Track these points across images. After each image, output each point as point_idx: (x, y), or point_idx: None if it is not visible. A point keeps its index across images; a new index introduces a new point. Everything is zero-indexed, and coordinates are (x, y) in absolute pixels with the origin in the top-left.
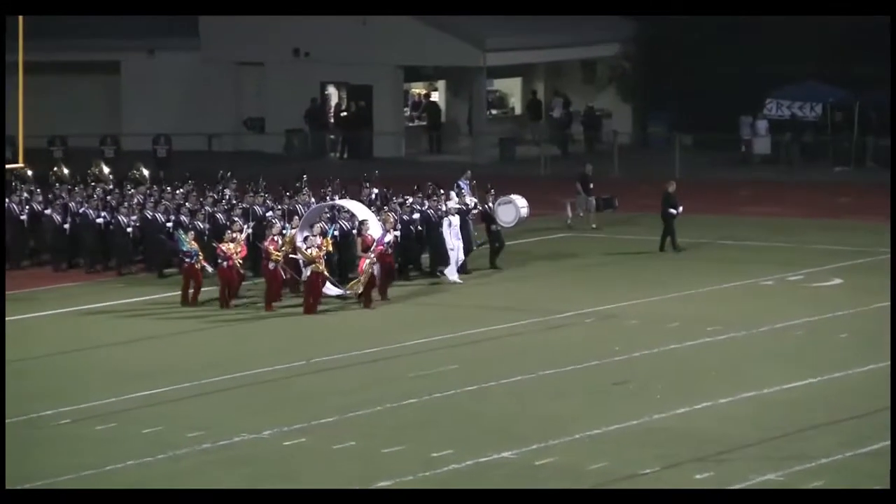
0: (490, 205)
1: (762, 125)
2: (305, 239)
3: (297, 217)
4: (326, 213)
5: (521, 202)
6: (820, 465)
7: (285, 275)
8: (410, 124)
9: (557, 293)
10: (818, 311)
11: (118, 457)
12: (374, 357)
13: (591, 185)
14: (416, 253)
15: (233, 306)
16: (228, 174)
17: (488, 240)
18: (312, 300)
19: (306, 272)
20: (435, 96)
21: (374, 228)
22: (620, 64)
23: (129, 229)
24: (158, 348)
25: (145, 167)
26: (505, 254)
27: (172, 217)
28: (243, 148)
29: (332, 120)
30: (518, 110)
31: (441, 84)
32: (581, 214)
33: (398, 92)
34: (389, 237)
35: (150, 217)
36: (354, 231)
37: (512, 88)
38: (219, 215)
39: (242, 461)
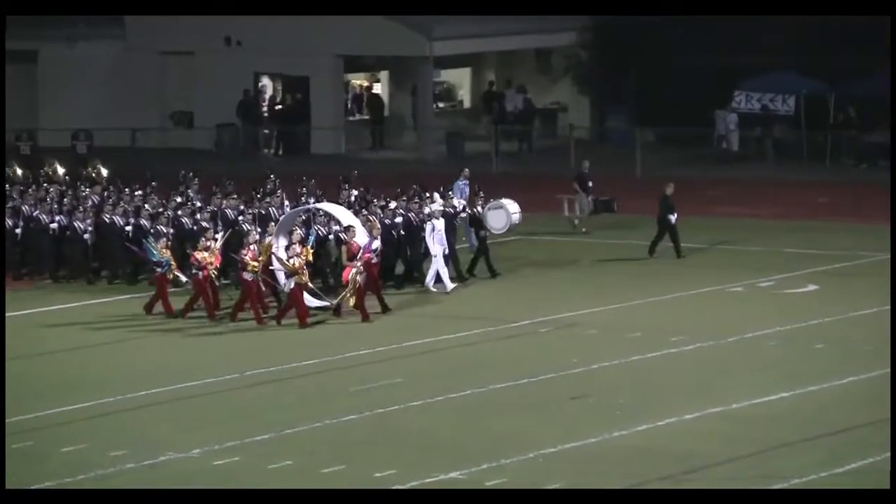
0: (479, 209)
1: (732, 119)
2: (288, 247)
3: (272, 223)
4: (301, 217)
5: (512, 207)
6: (794, 485)
7: (264, 286)
8: (351, 118)
9: (512, 300)
10: (791, 320)
11: (33, 478)
12: (313, 369)
13: (591, 184)
14: (394, 261)
15: (217, 319)
16: (191, 174)
17: (477, 248)
18: (301, 312)
19: (289, 284)
20: (377, 88)
21: (360, 235)
22: (577, 53)
23: (86, 235)
24: (88, 359)
25: (60, 165)
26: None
27: (132, 221)
28: (170, 144)
29: (266, 114)
30: (467, 103)
31: (384, 75)
32: (578, 214)
33: (338, 84)
34: (377, 244)
35: (107, 221)
36: (331, 237)
37: (460, 79)
38: (184, 219)
39: (168, 482)
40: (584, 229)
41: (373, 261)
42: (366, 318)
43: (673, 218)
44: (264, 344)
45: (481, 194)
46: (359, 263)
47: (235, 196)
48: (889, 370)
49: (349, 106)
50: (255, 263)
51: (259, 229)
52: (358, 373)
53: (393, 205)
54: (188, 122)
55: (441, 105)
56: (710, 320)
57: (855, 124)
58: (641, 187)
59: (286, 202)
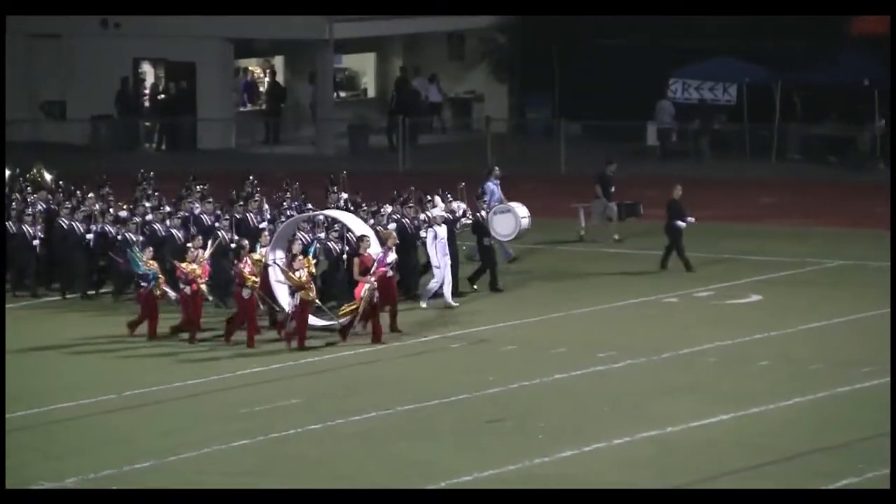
0: (484, 214)
1: (669, 110)
2: (293, 259)
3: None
4: (303, 225)
5: (521, 211)
6: None
7: (262, 304)
8: (242, 109)
9: (422, 312)
10: (732, 334)
11: None
12: (200, 389)
13: (613, 189)
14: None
15: (198, 341)
16: (150, 173)
17: (479, 256)
18: (301, 332)
19: (293, 300)
20: (275, 75)
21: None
22: (494, 37)
23: (36, 242)
24: None
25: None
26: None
27: (95, 227)
28: (41, 138)
29: (146, 104)
30: (371, 92)
31: (278, 61)
32: (597, 223)
33: (227, 70)
34: (392, 257)
35: (65, 226)
36: (334, 248)
37: (364, 66)
38: (157, 226)
39: None
40: (616, 236)
41: (388, 275)
42: (378, 338)
43: (683, 224)
44: (147, 362)
45: (485, 198)
46: (372, 278)
47: (211, 200)
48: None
49: (240, 95)
50: (254, 278)
51: (235, 237)
52: (250, 393)
53: (387, 209)
54: (60, 114)
55: (343, 94)
56: (642, 334)
57: (797, 116)
58: (566, 186)
59: (266, 207)
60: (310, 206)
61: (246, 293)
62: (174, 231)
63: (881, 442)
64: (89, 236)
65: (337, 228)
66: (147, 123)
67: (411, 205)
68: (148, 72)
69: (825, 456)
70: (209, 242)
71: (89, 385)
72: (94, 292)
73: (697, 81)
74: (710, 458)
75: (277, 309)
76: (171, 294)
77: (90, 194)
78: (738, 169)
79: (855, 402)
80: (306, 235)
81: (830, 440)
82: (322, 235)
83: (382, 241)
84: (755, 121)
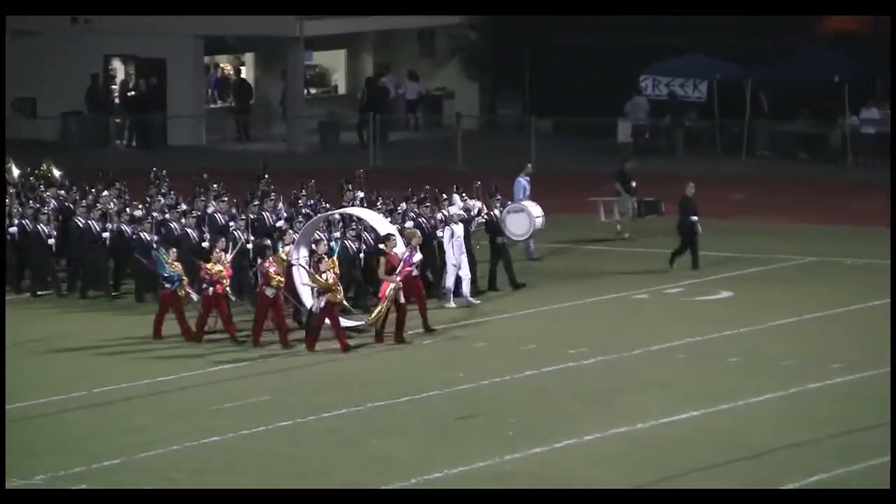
0: (497, 213)
1: (643, 105)
2: (320, 260)
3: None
4: (339, 226)
5: (535, 210)
6: None
7: (287, 304)
8: (213, 106)
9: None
10: (703, 331)
11: None
12: (171, 386)
13: (634, 184)
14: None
15: (205, 341)
16: (163, 172)
17: (490, 256)
18: (338, 333)
19: (319, 302)
20: (244, 73)
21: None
22: (465, 33)
23: (51, 241)
24: None
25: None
26: None
27: (111, 226)
28: (13, 134)
29: (117, 101)
30: (342, 89)
31: (249, 58)
32: (618, 218)
33: (197, 67)
34: (418, 256)
35: (80, 225)
36: (350, 246)
37: (335, 63)
38: (173, 224)
39: None
40: (626, 235)
41: (413, 274)
42: (401, 337)
43: (696, 219)
44: (117, 360)
45: (499, 196)
46: (398, 278)
47: (225, 198)
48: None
49: (210, 92)
50: (280, 278)
51: (250, 237)
52: (220, 390)
53: (403, 207)
54: (31, 111)
55: (313, 91)
56: (612, 331)
57: (765, 113)
58: (537, 183)
59: (281, 206)
60: (326, 205)
61: (270, 292)
62: (189, 230)
63: (852, 438)
64: (105, 235)
65: (353, 227)
66: (117, 120)
67: (428, 203)
68: (118, 68)
69: (796, 452)
70: (230, 245)
71: (60, 383)
72: (116, 293)
73: (668, 78)
74: (681, 455)
75: (302, 309)
76: (193, 296)
77: (104, 192)
78: (709, 165)
79: (825, 398)
80: (324, 235)
81: (801, 436)
82: (337, 235)
83: (406, 241)
84: (726, 117)
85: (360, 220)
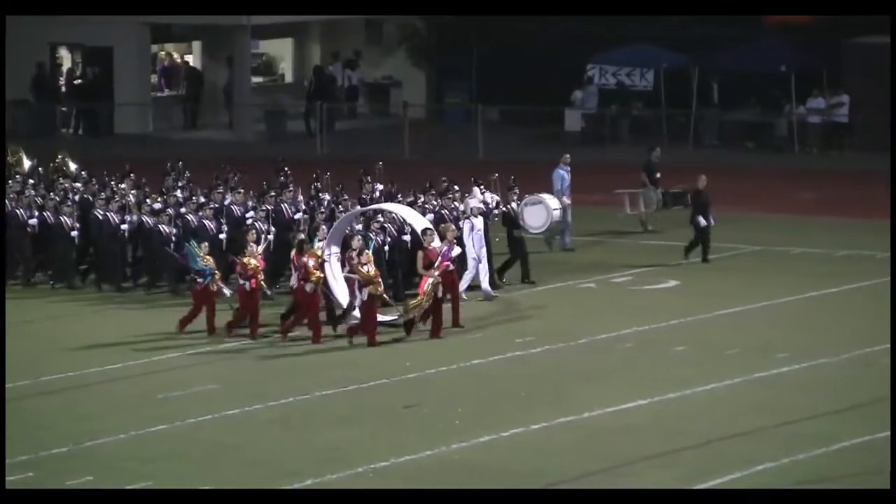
0: (514, 205)
1: (591, 94)
2: (360, 253)
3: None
4: (360, 219)
5: (553, 202)
6: None
7: (324, 300)
8: (159, 94)
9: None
10: (649, 320)
11: None
12: (117, 374)
13: (659, 175)
14: None
15: (234, 335)
16: (179, 164)
17: (508, 249)
18: (371, 328)
19: (361, 295)
20: (191, 61)
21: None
22: (412, 22)
23: (74, 233)
24: None
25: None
26: None
27: (130, 218)
28: None
29: (63, 89)
30: (289, 77)
31: (196, 46)
32: (643, 210)
33: (144, 55)
34: (457, 250)
35: (100, 217)
36: (375, 239)
37: (282, 51)
38: (190, 216)
39: None
40: (649, 227)
41: (450, 268)
42: (437, 333)
43: (702, 221)
44: (65, 348)
45: (516, 189)
46: (436, 272)
47: (242, 190)
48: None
49: (158, 80)
50: (319, 273)
51: (272, 228)
52: (167, 378)
53: (421, 199)
54: None
55: (260, 79)
56: (559, 320)
57: (712, 102)
58: (484, 171)
59: (300, 198)
60: (345, 197)
61: (310, 288)
62: (206, 222)
63: (797, 427)
64: (124, 227)
65: (379, 220)
66: (64, 108)
67: (449, 195)
68: (65, 57)
69: (741, 441)
70: (261, 238)
71: (8, 371)
72: (129, 284)
73: (615, 67)
74: (628, 444)
75: (335, 304)
76: (226, 290)
77: (123, 185)
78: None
79: (772, 387)
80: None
81: (747, 425)
82: (359, 227)
83: (442, 235)
84: (672, 106)
85: (383, 213)
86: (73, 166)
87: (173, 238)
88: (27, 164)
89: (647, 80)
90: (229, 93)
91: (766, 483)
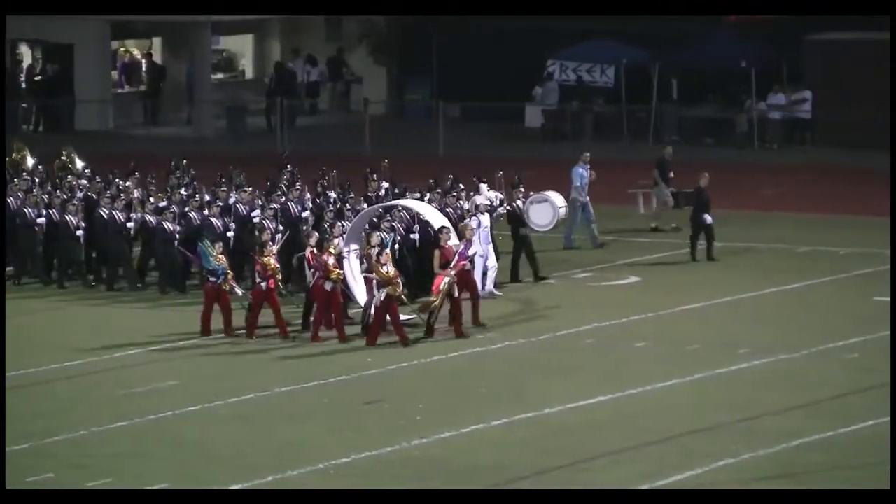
0: (520, 203)
1: (551, 90)
2: (379, 252)
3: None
4: (376, 217)
5: (558, 200)
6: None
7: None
8: (120, 90)
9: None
10: (610, 315)
11: None
12: (77, 371)
13: (672, 174)
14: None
15: (256, 337)
16: (184, 162)
17: (514, 247)
18: (376, 330)
19: (380, 295)
20: (152, 56)
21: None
22: (373, 19)
23: (80, 232)
24: None
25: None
26: None
27: (135, 215)
28: None
29: (24, 85)
30: (249, 73)
31: (156, 42)
32: (657, 209)
33: (105, 51)
34: (474, 249)
35: (105, 216)
36: (385, 237)
37: (242, 47)
38: (193, 214)
39: None
40: (654, 224)
41: (466, 268)
42: (460, 333)
43: (708, 218)
44: (24, 344)
45: (521, 187)
46: (452, 272)
47: (248, 189)
48: (718, 370)
49: (118, 77)
50: (339, 271)
51: (279, 227)
52: (127, 375)
53: (427, 197)
54: None
55: (220, 76)
56: (519, 316)
57: (673, 98)
58: (445, 167)
59: (307, 196)
60: (352, 195)
61: (329, 286)
62: (213, 220)
63: (758, 423)
64: (130, 225)
65: (388, 218)
66: (24, 105)
67: (454, 193)
68: (25, 53)
69: (703, 437)
70: (278, 237)
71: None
72: (140, 284)
73: (575, 63)
74: (588, 439)
75: (351, 303)
76: (238, 290)
77: (128, 183)
78: (616, 151)
79: (733, 383)
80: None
81: (708, 421)
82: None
83: (460, 234)
84: (633, 102)
85: (392, 211)
86: (79, 164)
87: (177, 236)
88: (31, 161)
89: (608, 77)
90: (190, 89)
91: (728, 479)
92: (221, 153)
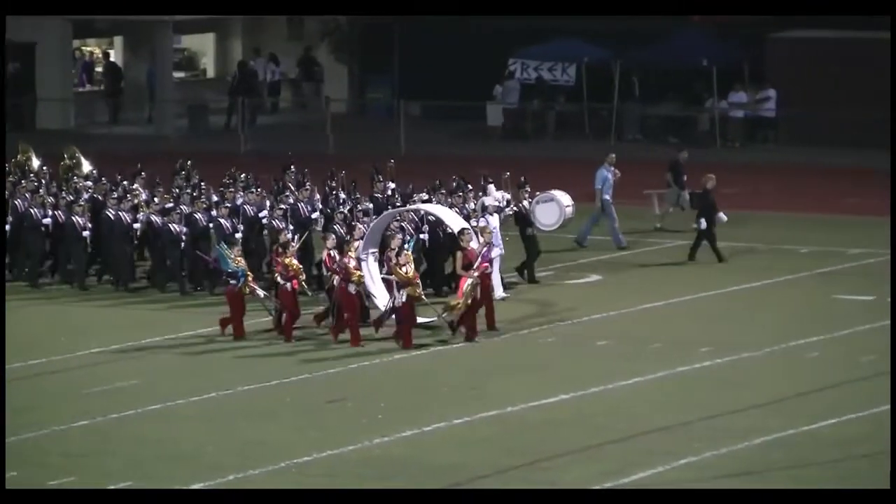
0: (526, 203)
1: (511, 89)
2: (399, 254)
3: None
4: (398, 220)
5: (565, 199)
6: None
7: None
8: (81, 89)
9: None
10: (572, 314)
11: None
12: (38, 370)
13: (685, 177)
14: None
15: (294, 340)
16: (189, 162)
17: (524, 247)
18: (408, 331)
19: (400, 296)
20: (113, 56)
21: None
22: (334, 17)
23: (86, 233)
24: None
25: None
26: None
27: (141, 216)
28: None
29: None
30: (211, 72)
31: (118, 41)
32: (671, 210)
33: (66, 50)
34: (495, 251)
35: (112, 217)
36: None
37: (203, 46)
38: (198, 215)
39: None
40: (658, 224)
41: (488, 270)
42: (473, 336)
43: (719, 218)
44: None
45: (527, 187)
46: (475, 273)
47: (255, 190)
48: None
49: (80, 76)
50: (361, 273)
51: (289, 227)
52: (89, 374)
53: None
54: None
55: (182, 75)
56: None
57: (635, 96)
58: (406, 166)
59: (317, 197)
60: (358, 195)
61: (353, 289)
62: (222, 221)
63: (720, 421)
64: (136, 226)
65: (398, 218)
66: None
67: (459, 194)
68: None
69: (665, 435)
70: (297, 237)
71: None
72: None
73: (537, 62)
74: (550, 438)
75: (370, 306)
76: (260, 292)
77: (135, 185)
78: (578, 150)
79: (695, 382)
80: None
81: (670, 419)
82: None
83: (479, 235)
84: (594, 101)
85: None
86: (86, 166)
87: (183, 237)
88: (36, 162)
89: (569, 75)
90: (151, 88)
91: (690, 477)
92: (183, 152)
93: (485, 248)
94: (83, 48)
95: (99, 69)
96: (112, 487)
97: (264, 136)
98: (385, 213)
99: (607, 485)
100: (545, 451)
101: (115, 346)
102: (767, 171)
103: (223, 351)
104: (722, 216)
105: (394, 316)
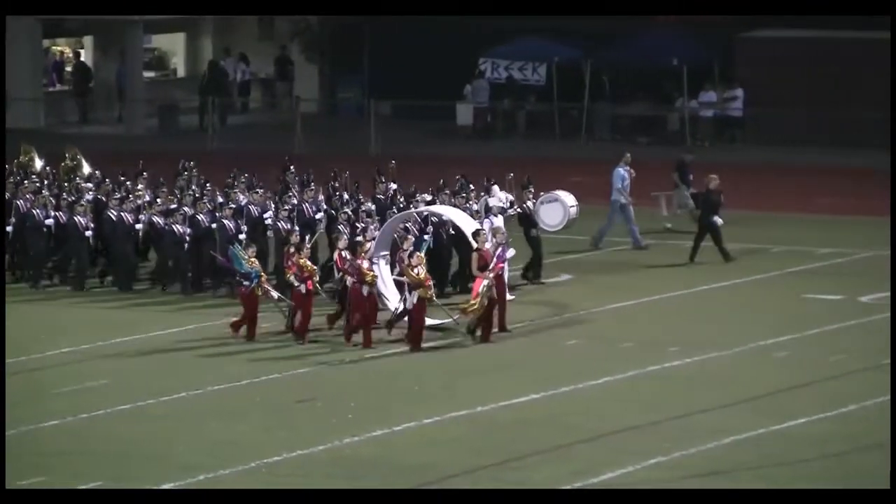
0: (530, 204)
1: (481, 88)
2: (411, 255)
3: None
4: (408, 223)
5: (569, 200)
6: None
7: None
8: (51, 89)
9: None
10: (543, 313)
11: None
12: (8, 370)
13: (692, 177)
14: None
15: (308, 341)
16: (191, 163)
17: (531, 249)
18: (418, 332)
19: (411, 298)
20: (83, 55)
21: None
22: (304, 17)
23: (88, 233)
24: None
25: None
26: None
27: (143, 218)
28: None
29: None
30: (181, 72)
31: (88, 40)
32: (678, 212)
33: (36, 50)
34: (510, 252)
35: (114, 218)
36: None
37: (174, 46)
38: (200, 216)
39: None
40: (668, 224)
41: (502, 271)
42: (487, 337)
43: (718, 220)
44: None
45: (531, 188)
46: (491, 275)
47: (259, 191)
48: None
49: (50, 75)
50: (374, 274)
51: (295, 228)
52: (59, 374)
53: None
54: None
55: (152, 74)
56: (452, 314)
57: (605, 96)
58: (378, 166)
59: (321, 197)
60: (360, 196)
61: (366, 290)
62: (225, 221)
63: (690, 420)
64: (139, 226)
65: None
66: None
67: (463, 195)
68: None
69: (635, 435)
70: (307, 237)
71: None
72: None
73: (507, 61)
74: (521, 438)
75: (380, 307)
76: (274, 293)
77: (139, 185)
78: (548, 149)
79: (664, 382)
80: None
81: (640, 419)
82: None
83: (492, 236)
84: (565, 100)
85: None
86: (86, 167)
87: (187, 238)
88: (38, 163)
89: (540, 75)
90: (121, 87)
91: (660, 476)
92: (153, 151)
93: (499, 249)
94: (53, 48)
95: (69, 69)
96: (82, 487)
97: (234, 136)
98: (396, 215)
99: (577, 484)
100: (515, 451)
101: (84, 346)
102: (736, 170)
103: (193, 349)
104: (718, 219)
105: (405, 318)
